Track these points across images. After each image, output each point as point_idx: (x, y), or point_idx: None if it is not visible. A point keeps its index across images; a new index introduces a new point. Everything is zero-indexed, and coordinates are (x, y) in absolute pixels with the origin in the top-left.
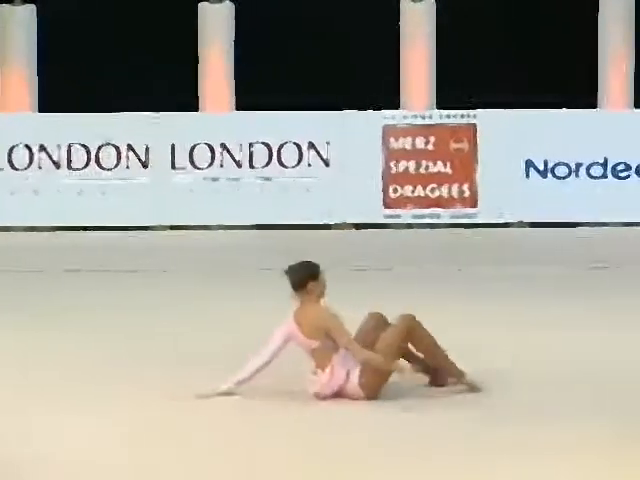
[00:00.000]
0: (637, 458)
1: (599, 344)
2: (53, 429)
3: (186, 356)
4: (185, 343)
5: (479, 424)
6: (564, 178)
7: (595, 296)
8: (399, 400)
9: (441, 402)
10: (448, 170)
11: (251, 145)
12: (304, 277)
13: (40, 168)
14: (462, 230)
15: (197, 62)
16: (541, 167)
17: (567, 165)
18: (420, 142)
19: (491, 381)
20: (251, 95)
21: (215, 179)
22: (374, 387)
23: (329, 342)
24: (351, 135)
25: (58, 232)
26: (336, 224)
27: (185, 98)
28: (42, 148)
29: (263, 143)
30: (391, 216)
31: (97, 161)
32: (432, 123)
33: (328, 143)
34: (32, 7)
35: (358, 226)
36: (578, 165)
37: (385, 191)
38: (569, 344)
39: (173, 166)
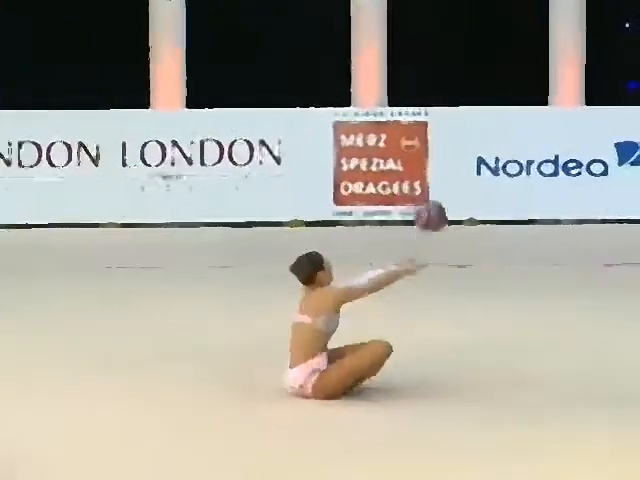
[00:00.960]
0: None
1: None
2: None
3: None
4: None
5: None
6: (515, 175)
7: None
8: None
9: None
10: (399, 167)
11: (202, 142)
12: (312, 271)
13: None
14: (413, 227)
15: (148, 60)
16: (492, 164)
17: (518, 162)
18: (371, 139)
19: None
20: (202, 92)
21: (166, 176)
22: (329, 391)
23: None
24: (302, 132)
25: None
26: (288, 221)
27: (136, 95)
28: None
29: (214, 140)
30: (342, 213)
31: (48, 158)
32: (383, 120)
33: (279, 140)
34: None
35: (309, 223)
36: (529, 162)
37: (336, 188)
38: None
39: (124, 163)
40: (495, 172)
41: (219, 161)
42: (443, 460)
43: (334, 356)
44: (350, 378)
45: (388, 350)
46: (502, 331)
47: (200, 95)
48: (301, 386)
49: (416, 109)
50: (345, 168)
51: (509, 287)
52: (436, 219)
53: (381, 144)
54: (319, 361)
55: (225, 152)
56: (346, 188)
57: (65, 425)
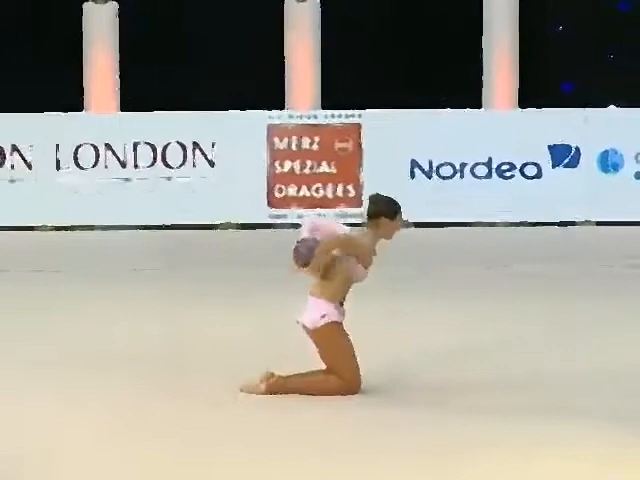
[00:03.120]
0: None
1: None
2: None
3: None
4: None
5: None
6: (449, 178)
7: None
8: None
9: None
10: (333, 170)
11: (136, 145)
12: (379, 210)
13: None
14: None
15: (82, 63)
16: (426, 167)
17: (452, 165)
18: (305, 142)
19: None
20: (136, 95)
21: (100, 179)
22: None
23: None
24: (236, 135)
25: None
26: (221, 224)
27: (70, 99)
28: None
29: (148, 143)
30: (276, 216)
31: None
32: (317, 123)
33: (213, 143)
34: None
35: (243, 226)
36: (463, 165)
37: (270, 191)
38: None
39: (58, 166)
40: (429, 175)
41: (153, 164)
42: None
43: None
44: (306, 390)
45: (347, 392)
46: (458, 334)
47: (134, 98)
48: (304, 326)
49: (350, 112)
50: (279, 171)
51: (458, 290)
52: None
53: (315, 147)
54: (328, 308)
55: (159, 155)
56: (280, 191)
57: None
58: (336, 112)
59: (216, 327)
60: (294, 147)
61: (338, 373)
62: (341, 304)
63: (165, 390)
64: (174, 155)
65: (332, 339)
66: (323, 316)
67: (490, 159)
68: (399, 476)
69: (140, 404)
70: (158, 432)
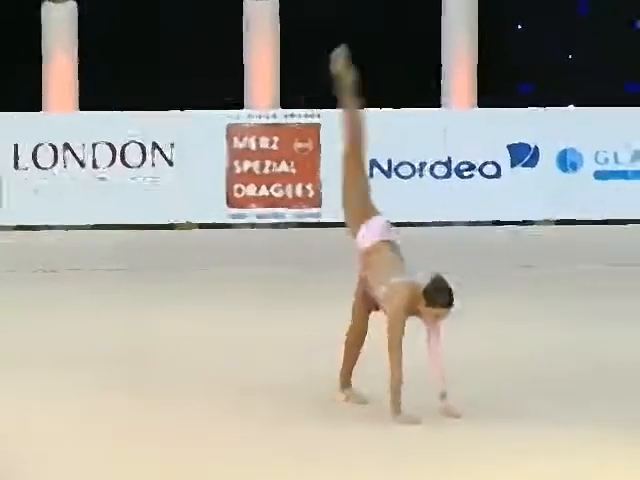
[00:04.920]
0: None
1: None
2: None
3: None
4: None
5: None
6: (408, 177)
7: None
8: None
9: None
10: (292, 170)
11: (94, 145)
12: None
13: None
14: (306, 230)
15: (41, 62)
16: (385, 166)
17: (411, 164)
18: (264, 142)
19: None
20: (95, 95)
21: (59, 179)
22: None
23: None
24: (195, 135)
25: None
26: (180, 224)
27: (29, 98)
28: None
29: (106, 143)
30: (235, 216)
31: None
32: (276, 123)
33: (172, 143)
34: None
35: (202, 226)
36: (422, 164)
37: (229, 191)
38: None
39: (16, 166)
40: (387, 174)
41: (111, 164)
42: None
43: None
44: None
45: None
46: None
47: (93, 97)
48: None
49: (309, 111)
50: (238, 171)
51: None
52: None
53: (274, 147)
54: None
55: (117, 155)
56: (239, 191)
57: None
58: (296, 112)
59: (177, 327)
60: (253, 147)
61: None
62: None
63: (125, 390)
64: (133, 155)
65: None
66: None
67: (449, 159)
68: None
69: (99, 402)
70: (119, 430)
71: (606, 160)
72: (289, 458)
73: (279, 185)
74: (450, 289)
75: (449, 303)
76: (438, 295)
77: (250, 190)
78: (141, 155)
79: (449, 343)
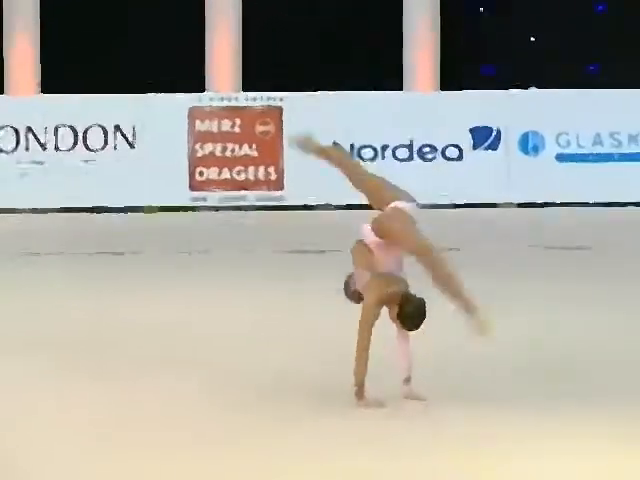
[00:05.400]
0: None
1: None
2: None
3: None
4: None
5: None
6: (370, 160)
7: None
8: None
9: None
10: (254, 153)
11: (57, 128)
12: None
13: None
14: (269, 212)
15: (2, 45)
16: (347, 149)
17: (373, 147)
18: (226, 125)
19: None
20: (58, 78)
21: (21, 162)
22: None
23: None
24: (157, 118)
25: None
26: (142, 207)
27: None
28: None
29: (69, 126)
30: (197, 199)
31: None
32: (238, 106)
33: (134, 126)
34: None
35: (164, 209)
36: (384, 147)
37: (191, 174)
38: None
39: None
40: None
41: (73, 147)
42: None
43: None
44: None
45: None
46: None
47: (55, 80)
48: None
49: (271, 94)
50: (200, 154)
51: None
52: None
53: (236, 129)
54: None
55: (79, 138)
56: (201, 174)
57: None
58: (258, 94)
59: (141, 311)
60: (215, 130)
61: None
62: None
63: (86, 374)
64: (95, 138)
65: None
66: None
67: (411, 141)
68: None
69: (60, 387)
70: (76, 414)
71: (568, 143)
72: (246, 437)
73: (241, 168)
74: (424, 318)
75: (415, 329)
76: (411, 322)
77: (212, 173)
78: (103, 138)
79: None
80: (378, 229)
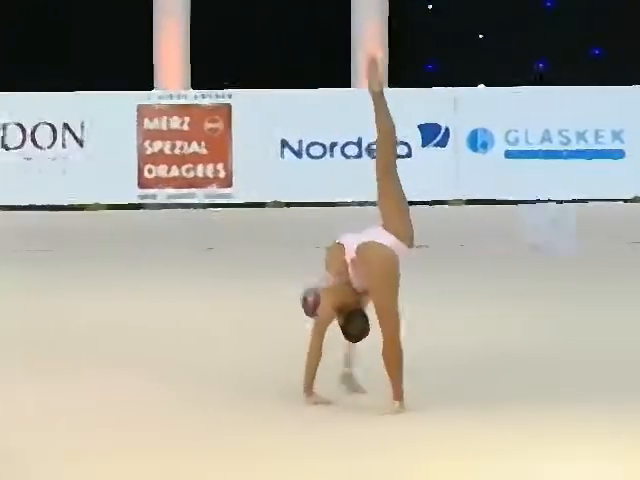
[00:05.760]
0: None
1: None
2: None
3: None
4: None
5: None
6: (319, 158)
7: None
8: None
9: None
10: (203, 150)
11: (5, 126)
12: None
13: None
14: (218, 210)
15: None
16: (296, 147)
17: (322, 145)
18: (175, 122)
19: None
20: (5, 76)
21: None
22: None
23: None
24: (106, 116)
25: None
26: (91, 205)
27: None
28: None
29: (17, 124)
30: (146, 196)
31: None
32: (187, 103)
33: (82, 124)
34: None
35: (113, 206)
36: (333, 144)
37: (140, 171)
38: None
39: None
40: (298, 154)
41: (22, 145)
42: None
43: None
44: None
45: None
46: None
47: (3, 79)
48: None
49: (219, 92)
50: (149, 151)
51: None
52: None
53: (185, 127)
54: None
55: (28, 136)
56: (150, 171)
57: None
58: (206, 92)
59: (88, 309)
60: (164, 127)
61: None
62: None
63: (36, 372)
64: (44, 136)
65: None
66: None
67: (360, 139)
68: None
69: (12, 388)
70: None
71: (516, 140)
72: (213, 437)
73: (190, 166)
74: (362, 338)
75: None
76: (348, 338)
77: (161, 171)
78: (52, 136)
79: None
80: (364, 261)
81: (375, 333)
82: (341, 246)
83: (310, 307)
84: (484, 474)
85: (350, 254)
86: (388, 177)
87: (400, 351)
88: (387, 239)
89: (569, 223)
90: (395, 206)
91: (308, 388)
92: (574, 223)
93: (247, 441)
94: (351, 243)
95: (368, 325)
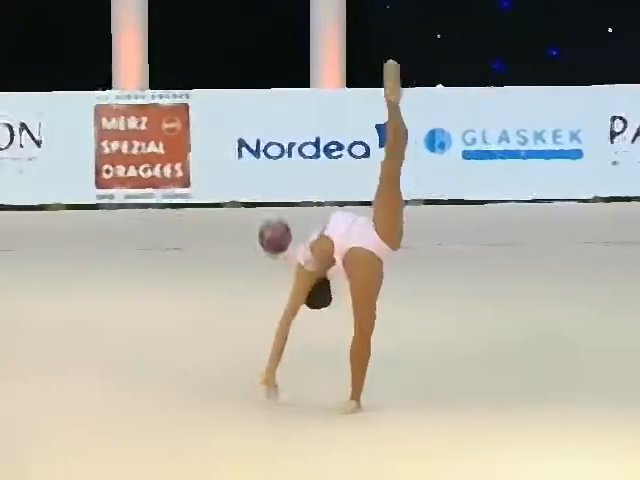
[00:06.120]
0: None
1: None
2: None
3: None
4: None
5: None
6: (277, 158)
7: None
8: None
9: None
10: (161, 150)
11: None
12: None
13: None
14: (176, 210)
15: None
16: (254, 147)
17: (280, 145)
18: (132, 122)
19: None
20: None
21: None
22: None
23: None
24: (63, 115)
25: None
26: (49, 205)
27: None
28: None
29: None
30: (104, 196)
31: None
32: (144, 103)
33: (40, 123)
34: None
35: (71, 207)
36: (291, 145)
37: (98, 172)
38: None
39: None
40: (256, 154)
41: None
42: None
43: None
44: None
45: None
46: None
47: None
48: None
49: (177, 92)
50: (107, 151)
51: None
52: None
53: (142, 127)
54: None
55: None
56: (107, 171)
57: None
58: (164, 92)
59: (47, 309)
60: (122, 127)
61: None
62: None
63: None
64: (1, 136)
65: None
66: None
67: (318, 139)
68: None
69: None
70: None
71: (474, 140)
72: (172, 437)
73: (148, 166)
74: (322, 307)
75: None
76: (309, 306)
77: (119, 171)
78: (9, 136)
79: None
80: (351, 267)
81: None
82: (331, 242)
83: (267, 242)
84: (451, 475)
85: (340, 254)
86: (395, 181)
87: (368, 349)
88: (373, 241)
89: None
90: (393, 208)
91: (269, 374)
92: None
93: (207, 441)
94: (341, 243)
95: (331, 295)
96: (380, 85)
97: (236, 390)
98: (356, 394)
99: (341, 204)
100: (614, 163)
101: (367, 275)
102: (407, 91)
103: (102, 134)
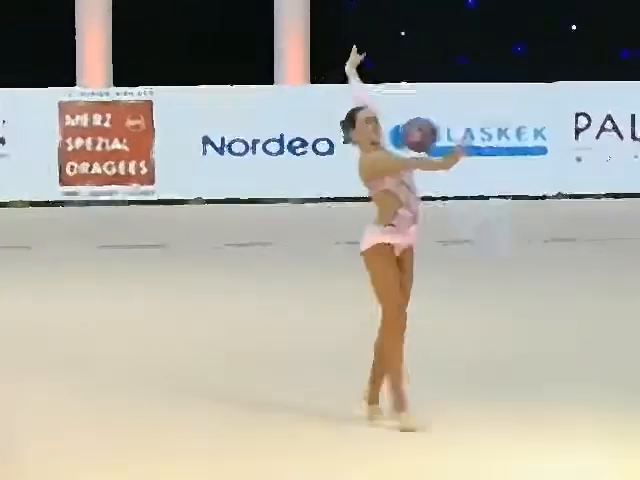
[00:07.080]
0: None
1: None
2: None
3: None
4: None
5: None
6: (241, 155)
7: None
8: None
9: None
10: (125, 147)
11: None
12: (343, 127)
13: None
14: (140, 207)
15: None
16: (218, 144)
17: (244, 142)
18: (97, 119)
19: None
20: None
21: None
22: None
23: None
24: (27, 112)
25: None
26: (12, 202)
27: None
28: None
29: None
30: (68, 193)
31: None
32: (108, 100)
33: (4, 121)
34: None
35: (35, 204)
36: (255, 141)
37: (62, 168)
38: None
39: None
40: (221, 151)
41: None
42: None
43: None
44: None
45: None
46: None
47: None
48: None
49: (141, 89)
50: (71, 148)
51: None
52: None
53: (106, 124)
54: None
55: None
56: (72, 168)
57: None
58: (128, 89)
59: (8, 309)
60: (86, 124)
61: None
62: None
63: None
64: None
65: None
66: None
67: (282, 135)
68: None
69: None
70: None
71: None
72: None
73: (112, 162)
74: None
75: None
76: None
77: (83, 168)
78: None
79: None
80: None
81: None
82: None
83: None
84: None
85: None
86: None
87: (394, 346)
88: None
89: (505, 222)
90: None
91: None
92: (510, 223)
93: (172, 440)
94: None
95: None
96: (344, 81)
97: (203, 389)
98: (400, 404)
99: (306, 200)
100: (578, 160)
101: (375, 270)
102: (375, 87)
103: (66, 131)
